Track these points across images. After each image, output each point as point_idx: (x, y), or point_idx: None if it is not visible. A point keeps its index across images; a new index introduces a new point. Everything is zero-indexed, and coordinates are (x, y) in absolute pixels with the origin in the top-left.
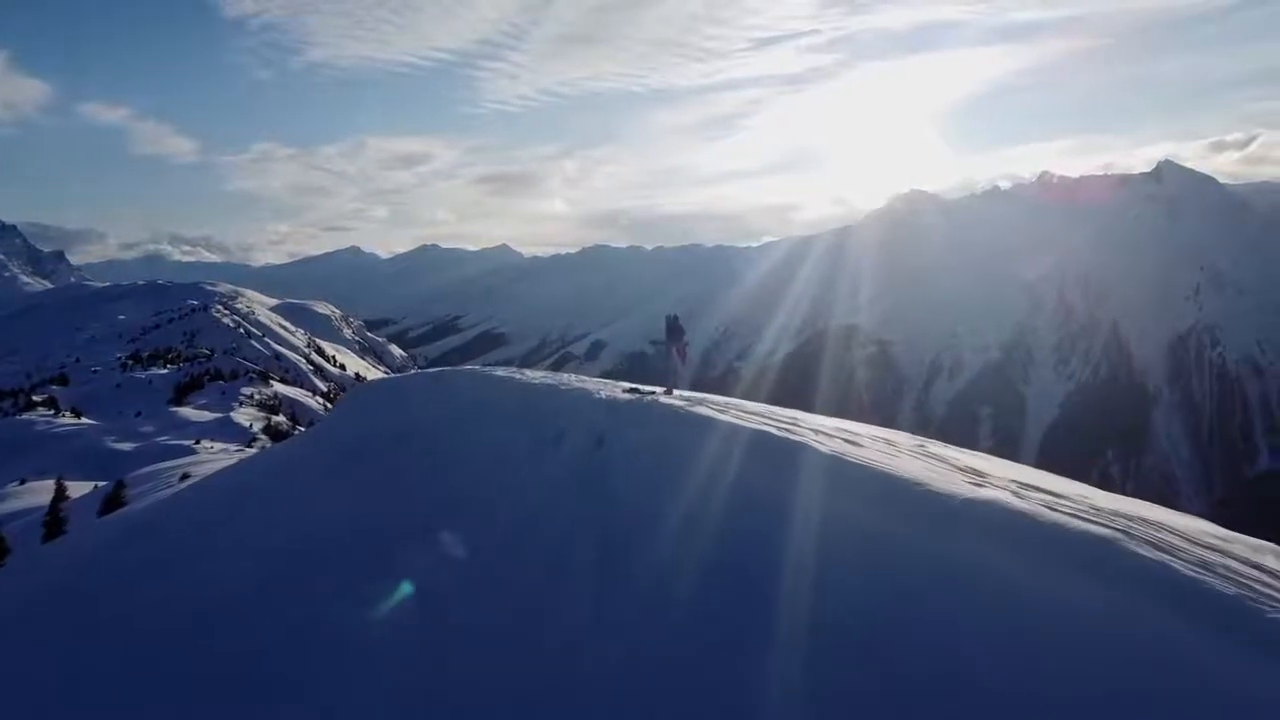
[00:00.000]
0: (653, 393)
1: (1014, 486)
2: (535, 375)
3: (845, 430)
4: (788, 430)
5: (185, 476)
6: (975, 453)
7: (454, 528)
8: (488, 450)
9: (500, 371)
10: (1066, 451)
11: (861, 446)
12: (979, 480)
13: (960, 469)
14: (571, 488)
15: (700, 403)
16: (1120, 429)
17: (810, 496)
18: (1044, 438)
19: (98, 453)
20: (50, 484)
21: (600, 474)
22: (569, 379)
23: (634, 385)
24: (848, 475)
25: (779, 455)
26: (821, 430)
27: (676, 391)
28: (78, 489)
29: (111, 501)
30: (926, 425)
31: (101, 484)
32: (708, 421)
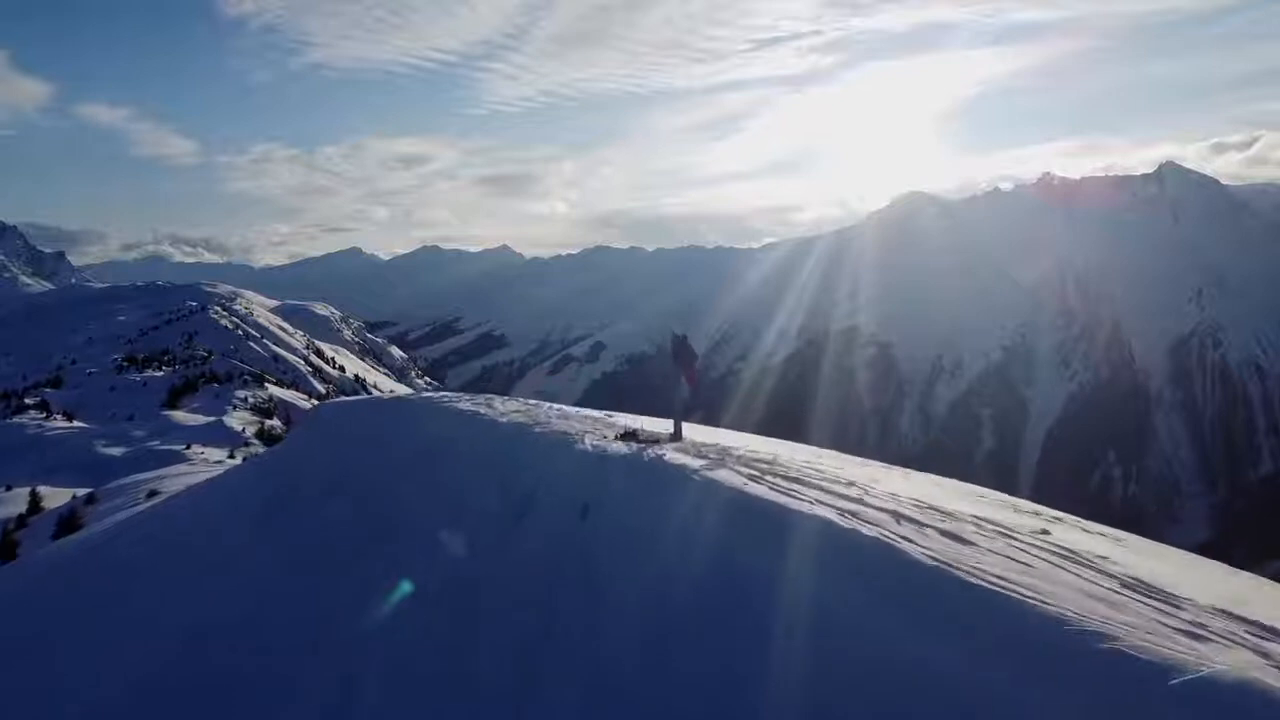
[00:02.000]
0: (655, 440)
1: (1251, 638)
2: (509, 406)
3: (932, 509)
4: (854, 512)
5: (153, 494)
6: (1112, 533)
7: (376, 633)
8: (436, 515)
9: (466, 403)
10: (1068, 453)
11: (971, 544)
12: (1187, 622)
13: (1134, 586)
14: (540, 580)
15: (722, 460)
16: (1122, 431)
17: (911, 644)
18: (1045, 439)
19: (87, 457)
20: (41, 489)
21: (582, 564)
22: (548, 411)
23: (631, 428)
24: (971, 612)
25: (856, 569)
26: (902, 513)
27: (687, 433)
28: (62, 496)
29: (67, 523)
30: (928, 427)
31: (81, 492)
32: (737, 499)
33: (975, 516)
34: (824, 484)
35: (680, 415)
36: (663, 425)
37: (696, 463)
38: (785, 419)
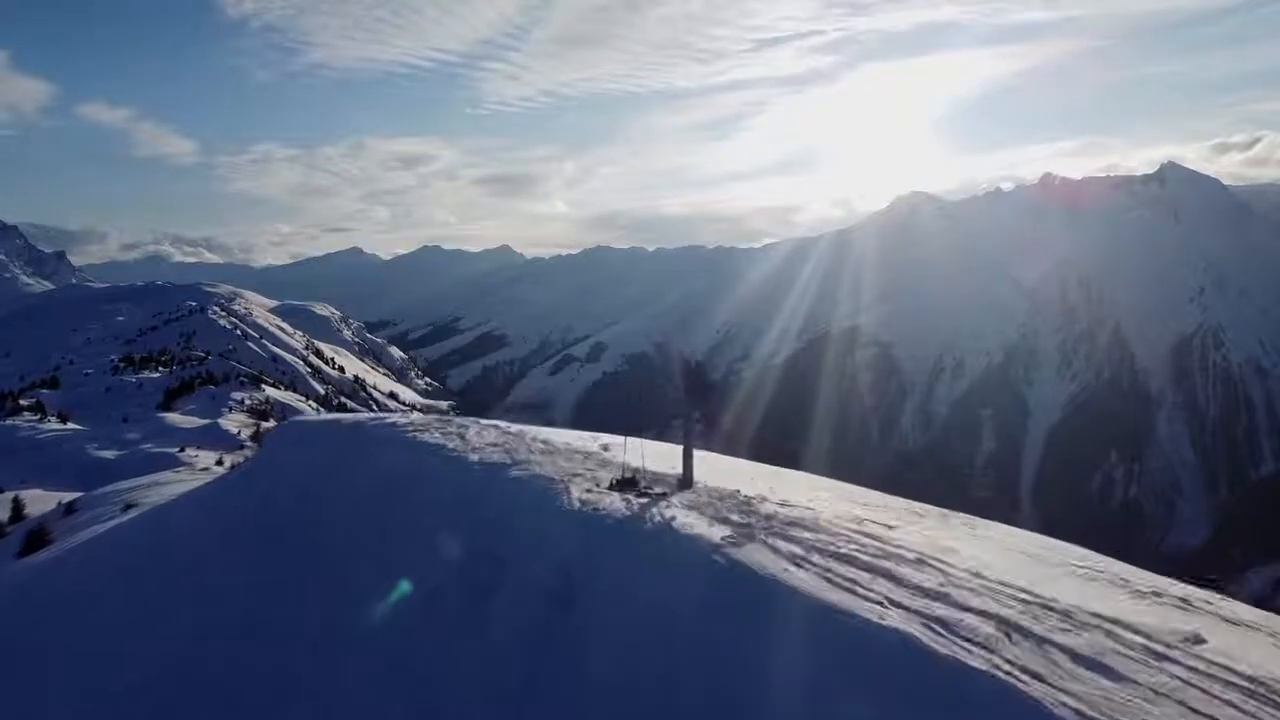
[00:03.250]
0: (661, 492)
1: None
2: (485, 438)
3: (1042, 606)
4: (944, 620)
5: (129, 506)
6: (1259, 621)
7: None
8: (379, 582)
9: (433, 433)
10: (1069, 454)
11: (1122, 678)
12: None
13: None
14: (504, 699)
15: (750, 528)
16: (1123, 431)
17: None
18: (1046, 440)
19: (80, 460)
20: (27, 494)
21: (560, 679)
22: (531, 443)
23: (630, 471)
24: None
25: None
26: (1008, 619)
27: (699, 478)
28: (49, 501)
29: (35, 538)
30: (929, 427)
31: (66, 498)
32: (779, 604)
33: (1097, 615)
34: (888, 565)
35: (691, 455)
36: (665, 450)
37: (716, 533)
38: (787, 420)
